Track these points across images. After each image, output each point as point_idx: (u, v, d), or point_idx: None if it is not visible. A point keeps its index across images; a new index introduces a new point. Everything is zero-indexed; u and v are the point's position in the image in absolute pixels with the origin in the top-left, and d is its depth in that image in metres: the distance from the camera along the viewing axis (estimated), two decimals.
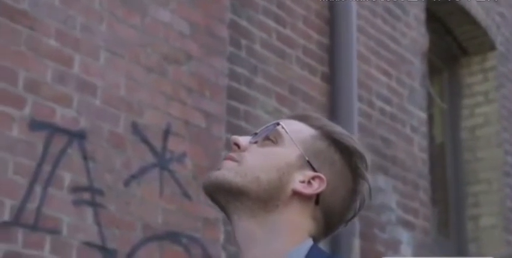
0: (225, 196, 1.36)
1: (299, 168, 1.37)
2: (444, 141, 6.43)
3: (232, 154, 1.40)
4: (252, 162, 1.37)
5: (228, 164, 1.38)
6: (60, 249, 3.07)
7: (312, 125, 1.42)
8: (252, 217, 1.35)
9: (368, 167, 1.42)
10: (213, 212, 3.63)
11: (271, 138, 1.40)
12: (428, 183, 5.40)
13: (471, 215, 6.23)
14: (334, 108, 4.62)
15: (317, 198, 1.37)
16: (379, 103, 5.08)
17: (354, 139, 1.42)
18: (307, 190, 1.36)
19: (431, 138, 6.07)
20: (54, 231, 3.07)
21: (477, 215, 6.21)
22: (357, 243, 4.47)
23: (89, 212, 3.21)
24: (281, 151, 1.38)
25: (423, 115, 5.51)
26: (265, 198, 1.35)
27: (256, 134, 1.43)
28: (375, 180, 4.88)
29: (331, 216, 1.38)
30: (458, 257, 6.12)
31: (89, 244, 3.17)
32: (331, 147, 1.40)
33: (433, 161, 5.85)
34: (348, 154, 1.40)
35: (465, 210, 6.24)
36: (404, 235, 5.04)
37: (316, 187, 1.36)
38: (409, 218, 5.12)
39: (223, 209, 1.38)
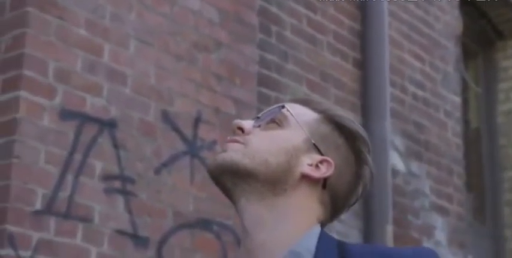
0: (232, 178, 1.33)
1: (306, 152, 1.35)
2: (480, 126, 6.37)
3: (237, 137, 1.37)
4: (259, 145, 1.35)
5: (234, 146, 1.36)
6: (92, 237, 3.10)
7: (314, 109, 1.40)
8: (260, 200, 1.33)
9: (370, 152, 1.40)
10: None
11: (276, 121, 1.38)
12: (463, 169, 5.36)
13: (507, 200, 6.17)
14: (366, 94, 4.59)
15: (324, 183, 1.35)
16: (412, 88, 5.04)
17: (356, 123, 1.41)
18: (316, 173, 1.34)
19: (466, 122, 6.02)
20: (86, 220, 3.10)
21: None
22: (390, 229, 4.45)
23: (120, 200, 3.24)
24: (287, 134, 1.37)
25: (457, 100, 5.46)
26: (274, 181, 1.33)
27: (258, 118, 1.41)
28: (408, 165, 4.86)
29: (337, 201, 1.37)
30: (493, 242, 6.07)
31: (120, 232, 3.20)
32: (335, 132, 1.38)
33: (468, 146, 5.80)
34: (351, 138, 1.39)
35: (501, 196, 6.18)
36: (438, 221, 5.01)
37: (324, 171, 1.35)
38: (443, 203, 5.09)
39: (228, 192, 1.35)
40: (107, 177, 3.21)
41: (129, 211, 3.25)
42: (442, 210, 5.06)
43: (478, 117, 6.40)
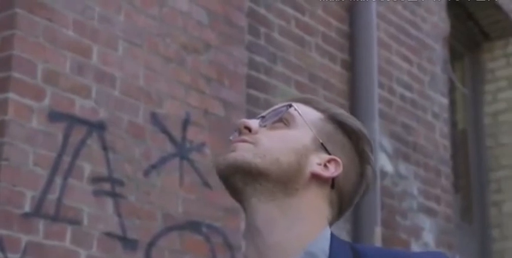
0: (243, 178, 1.32)
1: (314, 151, 1.34)
2: (466, 127, 6.38)
3: (245, 136, 1.35)
4: (269, 144, 1.33)
5: (243, 145, 1.34)
6: (81, 240, 3.09)
7: (316, 108, 1.40)
8: (272, 200, 1.31)
9: (373, 151, 1.40)
10: (233, 201, 3.62)
11: (283, 120, 1.37)
12: (450, 170, 5.37)
13: (494, 201, 6.19)
14: (354, 95, 4.60)
15: (332, 182, 1.34)
16: (399, 89, 5.05)
17: (359, 122, 1.40)
18: (326, 173, 1.33)
19: (453, 124, 6.03)
20: (75, 222, 3.08)
21: (500, 201, 6.18)
22: (378, 230, 4.45)
23: (109, 202, 3.22)
24: (295, 133, 1.35)
25: (445, 101, 5.47)
26: (285, 181, 1.32)
27: (263, 117, 1.39)
28: (396, 167, 4.86)
29: (343, 201, 1.37)
30: (481, 242, 6.09)
31: (109, 234, 3.19)
32: (339, 131, 1.38)
33: (455, 147, 5.82)
34: (355, 138, 1.38)
35: (488, 196, 6.20)
36: (426, 222, 5.02)
37: (333, 170, 1.34)
38: (431, 204, 5.10)
39: (237, 192, 1.34)
40: (95, 180, 3.19)
41: (118, 213, 3.24)
42: (429, 212, 5.07)
43: (465, 119, 6.41)
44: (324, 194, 1.34)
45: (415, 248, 4.81)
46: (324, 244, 1.30)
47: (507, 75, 6.43)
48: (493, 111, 6.38)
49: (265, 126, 1.37)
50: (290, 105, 1.37)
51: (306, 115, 1.37)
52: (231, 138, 1.39)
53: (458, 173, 5.99)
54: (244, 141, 1.35)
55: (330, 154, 1.35)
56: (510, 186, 6.15)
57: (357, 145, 1.38)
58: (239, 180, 1.32)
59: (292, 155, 1.33)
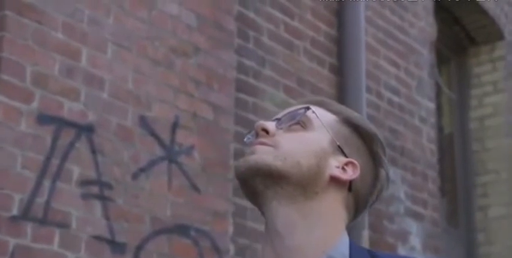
0: (263, 180, 1.31)
1: (332, 154, 1.34)
2: (453, 132, 6.41)
3: (263, 139, 1.34)
4: (289, 147, 1.32)
5: (263, 148, 1.33)
6: (69, 243, 3.08)
7: (329, 110, 1.39)
8: (292, 203, 1.31)
9: (386, 154, 1.40)
10: (222, 204, 3.63)
11: (300, 123, 1.36)
12: (437, 174, 5.39)
13: (480, 206, 6.21)
14: (342, 99, 4.60)
15: (349, 185, 1.34)
16: (387, 94, 5.06)
17: (372, 125, 1.40)
18: (344, 176, 1.33)
19: (439, 128, 6.05)
20: (63, 225, 3.07)
21: (486, 205, 6.20)
22: (366, 234, 4.46)
23: (97, 205, 3.21)
24: (313, 136, 1.35)
25: (432, 105, 5.49)
26: (305, 184, 1.31)
27: (279, 119, 1.37)
28: None
29: (359, 204, 1.36)
30: (466, 246, 6.11)
31: (97, 238, 3.18)
32: (354, 133, 1.37)
33: (441, 152, 5.84)
34: (369, 140, 1.38)
35: (474, 201, 6.22)
36: (413, 226, 5.03)
37: (351, 173, 1.33)
38: (418, 208, 5.12)
39: (257, 195, 1.32)
40: (84, 183, 3.18)
41: (107, 217, 3.23)
42: (416, 216, 5.08)
43: (452, 123, 6.44)
44: (342, 197, 1.33)
45: (402, 251, 4.82)
46: (344, 249, 1.30)
47: (493, 80, 6.46)
48: (479, 115, 6.40)
49: (281, 128, 1.36)
50: (308, 108, 1.37)
51: (322, 118, 1.37)
52: (245, 140, 1.39)
53: (445, 177, 6.01)
54: (263, 143, 1.34)
55: (346, 157, 1.35)
56: (496, 190, 6.17)
57: (371, 148, 1.38)
58: (260, 183, 1.31)
59: (312, 157, 1.32)
